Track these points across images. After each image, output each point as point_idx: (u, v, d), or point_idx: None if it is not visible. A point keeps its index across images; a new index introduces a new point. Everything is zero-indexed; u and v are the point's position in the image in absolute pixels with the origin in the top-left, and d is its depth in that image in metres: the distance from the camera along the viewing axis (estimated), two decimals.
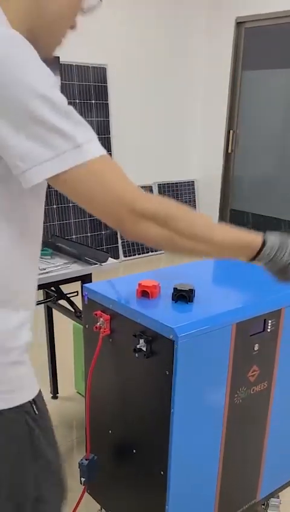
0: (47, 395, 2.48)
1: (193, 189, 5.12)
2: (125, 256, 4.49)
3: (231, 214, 5.09)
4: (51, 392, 2.49)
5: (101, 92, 4.15)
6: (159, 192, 4.81)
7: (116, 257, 4.40)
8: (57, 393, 2.49)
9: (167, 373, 1.22)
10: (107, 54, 4.10)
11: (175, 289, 1.34)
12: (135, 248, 4.57)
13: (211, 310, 1.28)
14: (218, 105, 4.78)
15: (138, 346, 1.28)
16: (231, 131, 4.83)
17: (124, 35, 4.22)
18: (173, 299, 1.35)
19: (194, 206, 5.15)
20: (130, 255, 4.52)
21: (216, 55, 4.70)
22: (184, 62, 4.69)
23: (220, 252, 0.99)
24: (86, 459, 1.49)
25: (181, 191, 5.00)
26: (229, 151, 4.89)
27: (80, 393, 2.48)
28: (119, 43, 4.19)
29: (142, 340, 1.27)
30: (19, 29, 0.81)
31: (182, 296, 1.34)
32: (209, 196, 5.10)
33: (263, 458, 1.55)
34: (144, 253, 4.60)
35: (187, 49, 4.68)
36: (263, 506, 1.71)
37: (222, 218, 5.12)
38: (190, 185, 5.07)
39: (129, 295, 1.39)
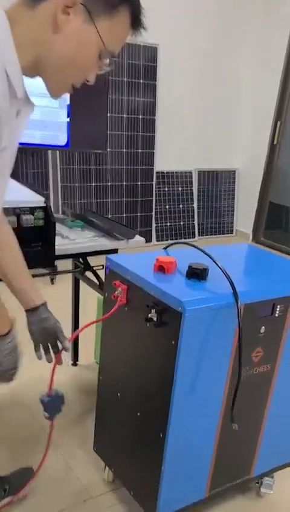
0: (68, 362, 2.61)
1: (234, 178, 5.11)
2: (158, 241, 4.57)
3: (269, 207, 5.06)
4: (71, 360, 2.61)
5: (150, 72, 4.18)
6: (199, 179, 4.82)
7: (149, 240, 4.47)
8: (77, 361, 2.61)
9: (173, 343, 1.30)
10: (160, 34, 4.12)
11: (190, 267, 1.41)
12: (169, 233, 4.63)
13: (221, 289, 1.34)
14: (268, 94, 4.73)
15: (149, 316, 1.36)
16: (279, 122, 4.77)
17: (179, 16, 4.22)
18: (187, 276, 1.41)
19: (233, 196, 5.15)
20: (163, 240, 4.59)
21: (270, 42, 4.63)
22: (236, 48, 4.65)
23: None
24: (48, 396, 1.46)
25: (221, 180, 5.00)
26: (275, 142, 4.84)
27: (98, 363, 2.58)
28: (173, 24, 4.19)
29: (154, 310, 1.35)
30: (25, 55, 0.90)
31: (196, 274, 1.40)
32: (249, 187, 5.07)
33: (260, 437, 1.61)
34: (176, 238, 4.65)
35: (240, 34, 4.63)
36: (256, 483, 1.78)
37: (260, 210, 5.09)
38: (231, 174, 5.06)
39: (147, 269, 1.46)
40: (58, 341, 1.38)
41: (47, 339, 1.37)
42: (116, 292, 1.51)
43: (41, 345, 1.38)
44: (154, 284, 1.37)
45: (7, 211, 1.76)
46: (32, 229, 1.85)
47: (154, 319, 1.35)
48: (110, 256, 1.61)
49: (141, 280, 1.42)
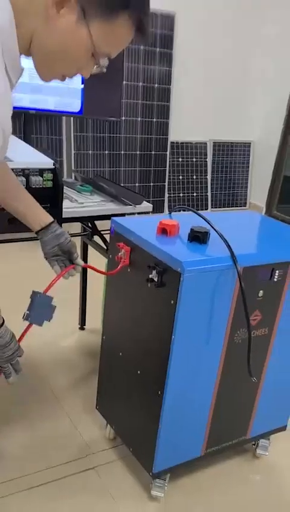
0: (75, 326, 2.66)
1: (249, 150, 5.04)
2: (170, 212, 4.56)
3: (283, 181, 4.99)
4: (79, 324, 2.67)
5: (167, 41, 4.11)
6: (214, 150, 4.77)
7: (161, 210, 4.47)
8: (84, 325, 2.67)
9: (172, 302, 1.32)
10: (177, 2, 4.03)
11: (192, 230, 1.42)
12: (181, 204, 4.62)
13: (220, 252, 1.35)
14: (286, 67, 4.61)
15: (150, 276, 1.38)
16: None
17: None
18: (188, 239, 1.43)
19: (248, 168, 5.09)
20: (175, 211, 4.58)
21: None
22: (254, 19, 4.52)
23: None
24: (44, 294, 1.28)
25: (236, 152, 4.94)
26: None
27: None
28: None
29: (155, 271, 1.37)
30: (25, 41, 0.91)
31: (197, 237, 1.42)
32: (264, 160, 5.00)
33: (256, 399, 1.65)
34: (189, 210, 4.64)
35: (260, 4, 4.50)
36: (253, 445, 1.83)
37: (274, 183, 5.03)
38: (246, 146, 4.99)
39: (150, 231, 1.48)
40: (72, 258, 1.40)
41: (62, 256, 1.39)
42: (120, 253, 1.53)
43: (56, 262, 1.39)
44: (155, 245, 1.39)
45: (16, 172, 1.78)
46: (40, 190, 1.87)
47: (155, 279, 1.38)
48: (116, 218, 1.63)
49: (144, 242, 1.44)
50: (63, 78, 1.02)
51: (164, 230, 1.46)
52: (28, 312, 1.24)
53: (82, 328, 2.67)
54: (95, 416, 1.94)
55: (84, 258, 2.56)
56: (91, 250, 2.48)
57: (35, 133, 3.69)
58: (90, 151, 4.04)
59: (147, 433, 1.54)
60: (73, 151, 3.94)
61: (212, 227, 1.40)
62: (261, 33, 4.65)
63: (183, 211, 1.77)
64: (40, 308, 1.25)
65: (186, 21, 4.14)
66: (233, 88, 4.69)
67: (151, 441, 1.52)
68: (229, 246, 1.33)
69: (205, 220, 1.45)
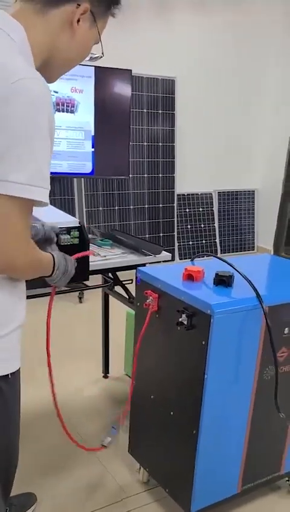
0: (99, 375, 2.74)
1: (253, 198, 5.26)
2: (181, 259, 4.72)
3: (288, 224, 5.19)
4: (102, 372, 2.74)
5: (169, 103, 4.42)
6: (219, 199, 4.99)
7: (172, 259, 4.63)
8: (108, 373, 2.74)
9: (203, 343, 1.43)
10: (177, 67, 4.37)
11: (217, 274, 1.55)
12: (191, 252, 4.78)
13: (246, 293, 1.47)
14: (286, 118, 4.90)
15: (180, 320, 1.49)
16: None
17: (194, 50, 4.47)
18: (214, 283, 1.55)
19: (253, 214, 5.28)
20: (186, 258, 4.74)
21: (288, 72, 4.84)
22: (253, 76, 4.87)
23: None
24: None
25: (241, 200, 5.16)
26: None
27: (128, 376, 2.71)
28: (189, 57, 4.44)
29: (184, 315, 1.48)
30: (37, 57, 1.05)
31: (223, 281, 1.54)
32: (268, 205, 5.21)
33: (288, 434, 1.71)
34: (198, 257, 4.80)
35: (257, 62, 4.85)
36: (287, 481, 1.86)
37: (279, 227, 5.21)
38: (251, 194, 5.22)
39: (176, 278, 1.61)
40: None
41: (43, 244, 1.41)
42: (147, 301, 1.65)
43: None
44: (184, 290, 1.51)
45: None
46: (69, 246, 2.01)
47: (185, 322, 1.48)
48: (141, 268, 1.75)
49: (172, 288, 1.56)
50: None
51: (189, 276, 1.59)
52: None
53: (106, 376, 2.74)
54: (127, 460, 1.99)
55: (106, 307, 2.68)
56: (112, 299, 2.60)
57: (49, 195, 3.91)
58: (100, 208, 4.24)
59: (183, 473, 1.60)
60: (84, 209, 4.14)
61: (236, 270, 1.52)
62: (261, 83, 4.97)
63: (202, 257, 1.89)
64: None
65: (186, 84, 4.47)
66: (235, 142, 4.98)
67: (188, 480, 1.57)
68: (254, 287, 1.45)
69: (228, 264, 1.58)
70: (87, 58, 1.20)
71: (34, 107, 0.94)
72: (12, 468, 1.34)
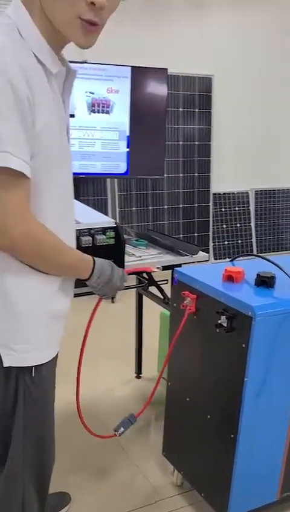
0: (132, 375, 2.73)
1: None
2: (215, 259, 4.67)
3: None
4: (135, 372, 2.73)
5: (205, 101, 4.38)
6: (256, 199, 4.90)
7: (206, 259, 4.58)
8: (140, 374, 2.73)
9: (244, 346, 1.39)
10: (214, 65, 4.32)
11: (258, 275, 1.52)
12: (226, 252, 4.73)
13: (289, 294, 1.43)
14: None
15: (219, 322, 1.46)
16: None
17: (231, 46, 4.41)
18: (255, 284, 1.52)
19: None
20: (221, 258, 4.69)
21: None
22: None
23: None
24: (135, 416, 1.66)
25: (279, 198, 5.05)
26: None
27: (162, 377, 2.69)
28: (226, 54, 4.39)
29: (224, 316, 1.45)
30: (47, 29, 0.99)
31: (264, 282, 1.50)
32: None
33: None
34: (239, 258, 4.73)
35: None
36: None
37: None
38: (289, 192, 5.11)
39: (215, 279, 1.58)
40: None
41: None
42: (185, 302, 1.62)
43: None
44: (224, 291, 1.48)
45: (83, 232, 1.93)
46: (104, 247, 2.01)
47: (225, 324, 1.45)
48: (178, 268, 1.73)
49: (211, 289, 1.53)
50: (87, 25, 1.00)
51: (229, 277, 1.55)
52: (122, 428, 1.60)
53: (138, 376, 2.73)
54: (161, 463, 1.97)
55: (140, 307, 2.67)
56: (145, 300, 2.59)
57: (82, 195, 3.93)
58: (134, 208, 4.24)
59: (220, 478, 1.56)
60: (118, 209, 4.15)
61: (282, 270, 1.48)
62: None
63: (242, 257, 1.85)
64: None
65: (223, 82, 4.42)
66: (272, 140, 4.88)
67: (225, 485, 1.54)
68: None
69: (274, 264, 1.54)
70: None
71: None
72: (47, 467, 1.33)
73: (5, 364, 1.11)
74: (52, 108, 1.05)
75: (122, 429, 1.60)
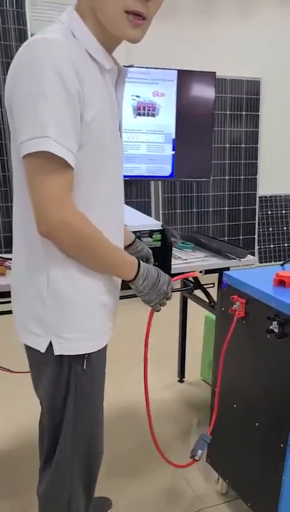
0: (174, 379, 2.71)
1: None
2: (261, 262, 4.59)
3: None
4: (178, 376, 2.71)
5: (253, 104, 4.32)
6: None
7: (254, 262, 4.52)
8: (183, 377, 2.70)
9: None
10: (263, 68, 4.26)
11: None
12: (272, 255, 4.64)
13: None
14: None
15: (270, 328, 1.42)
16: None
17: (280, 49, 4.34)
18: None
19: None
20: (267, 261, 4.61)
21: None
22: None
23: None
24: (209, 435, 1.59)
25: None
26: None
27: (204, 381, 2.66)
28: (275, 57, 4.33)
29: (275, 322, 1.42)
30: (101, 32, 1.04)
31: None
32: None
33: None
34: (280, 260, 4.63)
35: None
36: None
37: None
38: None
39: (266, 283, 1.54)
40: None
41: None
42: (234, 306, 1.59)
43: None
44: (275, 296, 1.44)
45: None
46: (151, 250, 2.01)
47: (276, 330, 1.41)
48: (228, 272, 1.70)
49: (262, 294, 1.49)
50: (133, 19, 1.02)
51: (281, 282, 1.51)
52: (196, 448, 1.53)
53: (181, 380, 2.70)
54: (205, 470, 1.94)
55: (184, 312, 2.65)
56: (189, 303, 2.56)
57: (126, 198, 3.95)
58: (178, 210, 4.22)
59: (268, 489, 1.52)
60: (161, 211, 4.14)
61: None
62: None
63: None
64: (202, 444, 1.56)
65: (273, 85, 4.36)
66: None
67: (274, 497, 1.50)
68: None
69: None
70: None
71: (32, 66, 0.95)
72: (95, 464, 1.33)
73: (56, 353, 1.13)
74: (105, 100, 1.07)
75: (200, 452, 1.54)
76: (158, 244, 2.04)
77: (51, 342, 1.13)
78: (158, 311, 1.31)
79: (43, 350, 1.14)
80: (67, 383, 1.17)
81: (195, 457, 1.52)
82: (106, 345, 1.25)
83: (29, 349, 1.19)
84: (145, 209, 4.08)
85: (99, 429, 1.31)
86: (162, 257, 2.02)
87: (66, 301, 1.11)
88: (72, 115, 0.98)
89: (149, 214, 4.09)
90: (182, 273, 1.43)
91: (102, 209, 1.13)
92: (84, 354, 1.16)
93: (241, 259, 2.12)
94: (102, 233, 1.10)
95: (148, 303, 1.27)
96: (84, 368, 1.17)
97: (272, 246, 4.67)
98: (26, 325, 1.16)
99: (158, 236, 2.04)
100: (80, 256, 1.10)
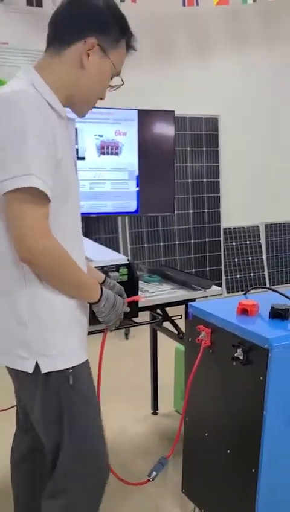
0: (148, 411, 2.71)
1: None
2: (229, 292, 4.69)
3: None
4: (151, 409, 2.71)
5: (212, 140, 4.51)
6: (266, 232, 4.96)
7: (220, 293, 4.60)
8: (157, 409, 2.71)
9: (261, 378, 1.40)
10: (220, 106, 4.47)
11: (272, 308, 1.54)
12: (239, 285, 4.75)
13: None
14: None
15: (235, 355, 1.48)
16: None
17: (237, 86, 4.56)
18: (270, 317, 1.54)
19: None
20: (234, 291, 4.71)
21: None
22: None
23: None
24: (166, 458, 1.67)
25: (289, 231, 5.10)
26: None
27: (177, 412, 2.67)
28: (232, 94, 4.53)
29: (240, 349, 1.47)
30: (59, 93, 1.20)
31: (279, 314, 1.52)
32: None
33: None
34: (247, 289, 4.73)
35: None
36: None
37: None
38: None
39: (230, 312, 1.60)
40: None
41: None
42: (200, 336, 1.64)
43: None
44: (239, 325, 1.50)
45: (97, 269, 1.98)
46: (119, 284, 2.05)
47: (241, 357, 1.47)
48: (193, 303, 1.76)
49: (226, 322, 1.56)
50: (91, 108, 1.33)
51: (244, 310, 1.58)
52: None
53: (155, 412, 2.71)
54: (180, 500, 1.94)
55: (154, 343, 2.68)
56: (159, 335, 2.60)
57: (94, 234, 4.02)
58: (145, 245, 4.31)
59: None
60: (129, 246, 4.22)
61: None
62: None
63: (255, 290, 1.88)
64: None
65: (230, 121, 4.55)
66: (281, 174, 4.96)
67: None
68: None
69: (287, 297, 1.56)
70: (110, 89, 1.33)
71: (10, 112, 1.08)
72: (102, 483, 1.39)
73: (43, 370, 1.20)
74: (65, 143, 1.21)
75: (154, 473, 1.62)
76: (125, 278, 2.09)
77: (37, 363, 1.20)
78: (112, 331, 1.44)
79: (30, 371, 1.20)
80: (59, 401, 1.24)
81: (149, 478, 1.61)
82: (88, 363, 1.32)
83: (16, 373, 1.25)
84: (113, 245, 4.15)
85: (100, 445, 1.36)
86: (129, 290, 2.06)
87: (46, 322, 1.21)
88: (49, 155, 1.13)
89: (117, 249, 4.16)
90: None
91: (68, 237, 1.24)
92: (69, 369, 1.23)
93: (207, 290, 2.20)
94: (72, 258, 1.21)
95: (107, 323, 1.39)
96: (71, 383, 1.24)
97: (238, 276, 4.79)
98: (10, 350, 1.23)
99: (125, 270, 2.09)
100: (55, 278, 1.20)
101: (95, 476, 1.34)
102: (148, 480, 1.61)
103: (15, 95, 1.10)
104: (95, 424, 1.34)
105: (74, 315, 1.27)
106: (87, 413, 1.30)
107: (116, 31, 1.23)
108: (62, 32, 1.21)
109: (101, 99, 1.32)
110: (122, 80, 1.31)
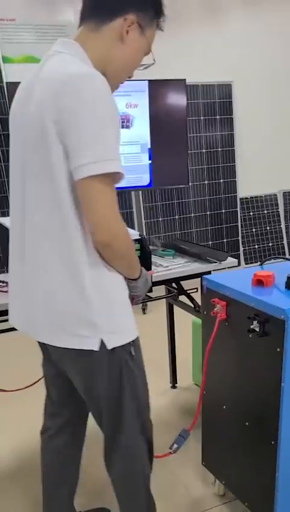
0: (167, 385, 2.71)
1: None
2: (247, 263, 4.63)
3: None
4: (170, 382, 2.72)
5: (226, 108, 4.38)
6: (285, 200, 4.84)
7: (238, 264, 4.54)
8: (176, 383, 2.71)
9: (278, 350, 1.37)
10: (233, 71, 4.33)
11: (288, 278, 1.49)
12: (257, 255, 4.68)
13: None
14: None
15: (251, 327, 1.44)
16: None
17: (250, 51, 4.41)
18: (286, 287, 1.49)
19: None
20: (252, 262, 4.65)
21: None
22: None
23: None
24: (187, 431, 1.68)
25: None
26: None
27: (196, 385, 2.67)
28: (245, 59, 4.39)
29: (256, 321, 1.44)
30: (96, 69, 1.18)
31: None
32: None
33: None
34: (268, 261, 4.67)
35: None
36: None
37: None
38: None
39: (245, 284, 1.56)
40: None
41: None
42: (215, 309, 1.61)
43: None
44: (254, 296, 1.46)
45: None
46: None
47: (257, 329, 1.43)
48: (207, 276, 1.72)
49: (241, 294, 1.52)
50: (119, 86, 1.34)
51: (259, 282, 1.54)
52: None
53: (174, 386, 2.71)
54: (202, 473, 1.95)
55: (171, 319, 2.66)
56: (176, 309, 2.58)
57: None
58: (160, 218, 4.25)
59: (264, 486, 1.53)
60: (144, 221, 4.17)
61: None
62: None
63: (273, 260, 1.83)
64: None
65: (244, 87, 4.42)
66: None
67: (269, 493, 1.51)
68: None
69: None
70: (141, 68, 1.34)
71: (81, 99, 1.08)
72: (151, 433, 1.51)
73: (109, 347, 1.24)
74: None
75: (175, 446, 1.64)
76: (137, 253, 2.06)
77: (102, 340, 1.23)
78: (139, 303, 1.50)
79: (96, 348, 1.22)
80: (121, 373, 1.30)
81: (170, 451, 1.63)
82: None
83: (67, 353, 1.26)
84: (128, 219, 4.10)
85: (148, 401, 1.48)
86: (142, 265, 2.04)
87: (109, 300, 1.24)
88: (118, 136, 1.17)
89: (132, 224, 4.12)
90: None
91: None
92: (131, 342, 1.29)
93: (222, 262, 2.15)
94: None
95: (138, 297, 1.42)
96: (133, 353, 1.31)
97: (256, 246, 4.71)
98: (66, 329, 1.23)
99: (137, 246, 2.06)
100: (124, 260, 1.26)
101: (149, 429, 1.47)
102: (170, 453, 1.62)
103: (99, 78, 1.11)
104: (145, 382, 1.44)
105: (125, 292, 1.31)
106: (142, 377, 1.40)
107: (152, 10, 1.26)
108: (101, 8, 1.22)
109: (130, 77, 1.33)
110: (154, 59, 1.32)
